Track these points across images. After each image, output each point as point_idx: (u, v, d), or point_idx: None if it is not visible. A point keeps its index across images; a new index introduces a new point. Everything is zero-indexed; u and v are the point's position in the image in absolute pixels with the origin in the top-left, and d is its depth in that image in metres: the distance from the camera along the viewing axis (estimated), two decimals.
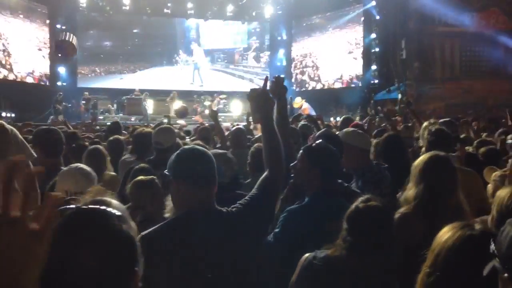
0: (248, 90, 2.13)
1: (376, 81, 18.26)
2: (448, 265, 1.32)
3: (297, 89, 21.87)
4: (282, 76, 2.88)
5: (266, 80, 2.18)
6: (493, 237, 1.14)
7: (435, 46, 15.67)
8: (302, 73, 22.19)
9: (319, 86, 21.19)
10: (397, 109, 15.95)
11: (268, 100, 2.08)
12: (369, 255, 1.77)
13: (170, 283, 1.70)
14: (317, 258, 1.85)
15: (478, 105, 15.13)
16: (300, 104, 14.32)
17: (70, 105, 18.14)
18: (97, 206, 0.94)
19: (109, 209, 0.93)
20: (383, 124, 7.12)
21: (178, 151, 1.91)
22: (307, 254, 1.89)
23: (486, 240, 1.15)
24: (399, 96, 16.42)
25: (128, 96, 18.78)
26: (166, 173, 1.88)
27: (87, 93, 18.46)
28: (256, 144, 3.60)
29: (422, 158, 2.49)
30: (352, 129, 3.70)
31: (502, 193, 1.97)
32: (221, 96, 19.88)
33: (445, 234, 1.37)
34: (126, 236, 0.92)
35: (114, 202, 1.00)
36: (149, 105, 18.63)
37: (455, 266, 1.31)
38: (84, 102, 18.04)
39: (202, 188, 1.83)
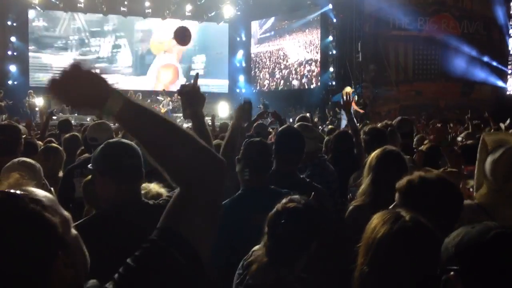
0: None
1: (334, 83, 18.59)
2: (379, 258, 1.31)
3: (255, 90, 21.96)
4: (248, 101, 2.89)
5: (196, 76, 2.15)
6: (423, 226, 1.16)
7: (389, 49, 16.09)
8: (261, 74, 22.30)
9: (278, 87, 21.36)
10: (353, 111, 16.31)
11: (198, 96, 2.02)
12: (287, 266, 1.72)
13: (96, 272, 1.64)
14: (243, 267, 1.83)
15: (430, 107, 15.67)
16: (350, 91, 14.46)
17: (11, 102, 17.29)
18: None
19: (23, 192, 0.89)
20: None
21: (103, 145, 1.85)
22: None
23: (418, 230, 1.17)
24: (356, 98, 16.77)
25: None
26: (90, 167, 1.82)
27: (31, 91, 17.70)
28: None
29: (374, 153, 2.55)
30: (300, 123, 3.78)
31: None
32: (178, 96, 19.71)
33: (375, 225, 1.37)
34: (38, 218, 0.87)
35: (36, 190, 0.95)
36: None
37: (386, 259, 1.30)
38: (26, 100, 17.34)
39: (127, 182, 1.78)
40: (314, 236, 1.77)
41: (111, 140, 1.97)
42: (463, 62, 15.39)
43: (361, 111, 14.30)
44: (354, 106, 13.88)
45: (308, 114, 9.86)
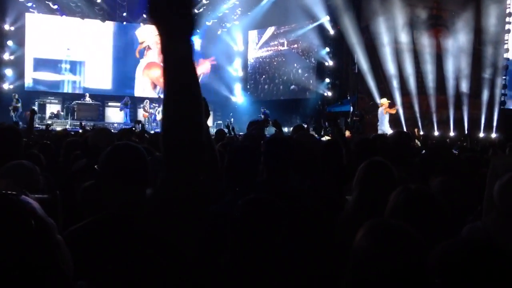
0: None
1: (330, 93, 18.69)
2: (359, 266, 1.33)
3: (253, 99, 22.04)
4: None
5: None
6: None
7: (385, 61, 16.18)
8: (258, 83, 22.39)
9: (275, 97, 21.45)
10: (349, 121, 16.38)
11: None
12: (252, 272, 1.71)
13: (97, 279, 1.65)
14: None
15: (425, 119, 15.78)
16: (386, 103, 14.55)
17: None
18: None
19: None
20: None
21: (111, 147, 1.88)
22: None
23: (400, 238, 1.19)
24: (351, 108, 16.87)
25: (79, 101, 18.30)
26: (97, 168, 1.85)
27: (15, 94, 17.65)
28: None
29: (363, 164, 2.59)
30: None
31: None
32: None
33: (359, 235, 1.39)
34: (38, 219, 0.90)
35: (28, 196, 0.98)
36: None
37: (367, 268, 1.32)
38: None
39: (134, 184, 1.80)
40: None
41: (119, 143, 2.00)
42: (457, 75, 15.54)
43: (393, 111, 14.48)
44: (389, 110, 14.01)
45: (304, 124, 9.93)
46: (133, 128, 7.14)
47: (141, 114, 19.86)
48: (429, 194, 1.82)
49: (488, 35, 15.53)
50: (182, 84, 1.07)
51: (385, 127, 13.70)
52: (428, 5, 15.33)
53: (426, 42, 15.67)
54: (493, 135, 14.98)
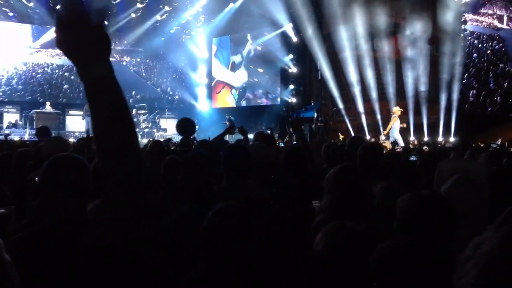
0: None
1: (294, 100, 18.88)
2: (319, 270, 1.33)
3: (218, 106, 22.01)
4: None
5: None
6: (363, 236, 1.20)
7: (347, 68, 16.49)
8: (222, 90, 22.37)
9: (242, 104, 21.47)
10: (313, 127, 16.58)
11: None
12: (229, 273, 1.71)
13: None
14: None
15: (385, 125, 16.14)
16: (398, 112, 14.55)
17: None
18: None
19: None
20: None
21: (52, 158, 1.83)
22: None
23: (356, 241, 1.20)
24: (315, 114, 17.08)
25: (38, 110, 17.77)
26: (36, 179, 1.80)
27: None
28: (169, 157, 3.55)
29: (333, 169, 2.62)
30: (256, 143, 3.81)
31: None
32: (138, 111, 19.45)
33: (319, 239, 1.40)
34: None
35: None
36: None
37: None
38: None
39: (73, 197, 1.76)
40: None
41: (61, 154, 1.93)
42: (415, 81, 16.00)
43: (404, 125, 14.57)
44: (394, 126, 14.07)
45: (268, 131, 9.97)
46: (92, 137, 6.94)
47: None
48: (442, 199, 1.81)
49: (445, 41, 16.09)
50: (107, 105, 1.04)
51: (395, 135, 13.75)
52: (387, 13, 15.74)
53: (385, 49, 16.08)
54: (451, 139, 15.48)
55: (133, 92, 21.52)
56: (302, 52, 18.11)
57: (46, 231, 1.71)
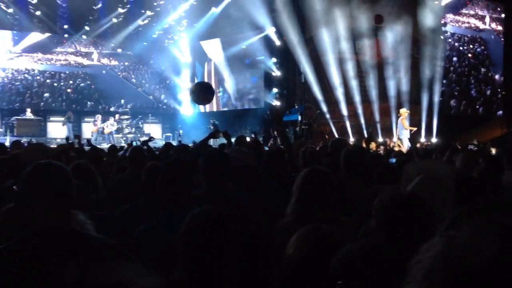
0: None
1: (278, 103, 18.93)
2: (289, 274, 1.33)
3: (203, 110, 21.95)
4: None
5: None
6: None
7: (330, 71, 16.60)
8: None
9: (223, 107, 21.46)
10: (298, 130, 16.63)
11: None
12: (208, 278, 1.70)
13: None
14: None
15: (369, 126, 16.28)
16: (405, 114, 14.51)
17: None
18: None
19: None
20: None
21: (32, 166, 1.77)
22: None
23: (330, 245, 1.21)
24: (299, 117, 17.13)
25: (19, 117, 17.52)
26: (15, 188, 1.75)
27: None
28: (150, 163, 3.52)
29: (302, 172, 2.63)
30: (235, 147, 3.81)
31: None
32: (121, 117, 19.31)
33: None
34: None
35: None
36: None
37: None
38: None
39: (56, 207, 1.71)
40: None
41: (40, 162, 1.86)
42: (397, 83, 16.18)
43: (414, 128, 14.52)
44: (407, 127, 14.07)
45: (252, 134, 9.96)
46: (72, 143, 6.87)
47: (86, 129, 19.28)
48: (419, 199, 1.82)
49: (425, 44, 16.31)
50: None
51: (403, 136, 13.70)
52: (368, 17, 15.89)
53: (367, 52, 16.23)
54: (434, 139, 15.68)
55: (122, 101, 21.25)
56: (285, 56, 18.16)
57: (27, 243, 1.67)
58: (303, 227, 1.48)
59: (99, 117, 18.75)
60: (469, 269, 0.49)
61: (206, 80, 21.84)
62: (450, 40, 19.10)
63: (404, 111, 14.32)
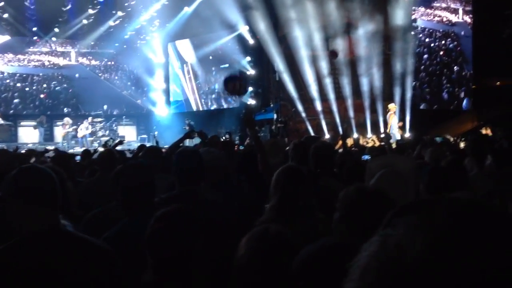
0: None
1: (253, 102, 18.95)
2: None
3: (179, 110, 21.81)
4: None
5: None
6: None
7: (304, 69, 16.69)
8: (183, 93, 22.17)
9: (201, 107, 21.34)
10: (274, 128, 16.67)
11: None
12: (177, 278, 1.69)
13: None
14: None
15: (344, 123, 16.43)
16: (394, 109, 14.49)
17: None
18: None
19: None
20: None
21: (17, 170, 1.79)
22: None
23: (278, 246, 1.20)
24: (275, 115, 17.19)
25: None
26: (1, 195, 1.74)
27: None
28: (119, 166, 3.47)
29: (277, 171, 2.64)
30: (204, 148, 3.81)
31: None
32: (95, 120, 18.95)
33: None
34: None
35: None
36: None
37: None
38: None
39: (47, 207, 1.73)
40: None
41: (25, 165, 1.90)
42: (370, 80, 16.38)
43: (401, 123, 14.73)
44: (393, 122, 14.17)
45: (227, 135, 9.95)
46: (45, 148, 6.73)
47: (58, 133, 18.87)
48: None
49: (396, 40, 16.54)
50: None
51: (394, 131, 13.94)
52: (340, 14, 16.03)
53: (340, 49, 16.37)
54: (407, 135, 15.92)
55: (105, 107, 20.80)
56: (259, 54, 18.20)
57: (21, 245, 1.67)
58: (254, 228, 1.48)
59: (68, 120, 18.09)
60: (399, 268, 0.48)
61: (182, 80, 21.72)
62: (420, 35, 18.99)
63: (393, 107, 14.52)
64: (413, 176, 2.10)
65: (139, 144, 11.51)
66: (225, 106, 20.42)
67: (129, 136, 20.08)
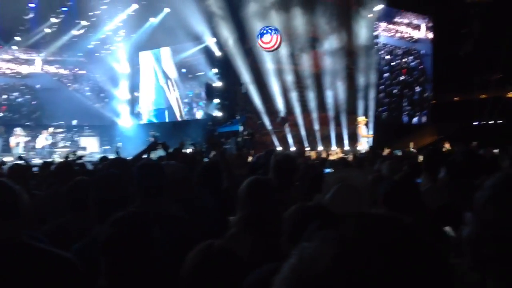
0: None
1: (220, 114, 18.93)
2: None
3: (143, 122, 21.53)
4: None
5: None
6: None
7: (270, 81, 16.84)
8: (146, 106, 21.92)
9: (167, 119, 21.13)
10: (240, 140, 16.68)
11: None
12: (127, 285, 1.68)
13: None
14: None
15: (309, 136, 16.65)
16: (364, 121, 14.40)
17: None
18: None
19: None
20: None
21: None
22: None
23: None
24: (241, 128, 17.21)
25: None
26: None
27: None
28: (77, 178, 3.39)
29: (243, 183, 2.62)
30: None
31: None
32: (55, 130, 18.41)
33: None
34: None
35: None
36: None
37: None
38: None
39: (5, 218, 1.70)
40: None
41: None
42: (334, 94, 16.70)
43: (370, 136, 14.87)
44: (363, 134, 14.25)
45: (192, 146, 9.86)
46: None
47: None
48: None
49: (360, 55, 16.96)
50: None
51: (363, 144, 14.20)
52: (306, 29, 16.31)
53: (305, 63, 16.63)
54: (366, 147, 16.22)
55: (75, 122, 20.16)
56: (226, 66, 18.23)
57: None
58: (201, 243, 1.48)
59: (18, 130, 17.06)
60: (311, 279, 0.51)
61: (148, 90, 21.48)
62: (381, 52, 19.22)
63: (362, 120, 14.77)
64: (369, 190, 2.15)
65: (101, 155, 11.29)
66: (190, 118, 20.27)
67: (92, 147, 19.62)
